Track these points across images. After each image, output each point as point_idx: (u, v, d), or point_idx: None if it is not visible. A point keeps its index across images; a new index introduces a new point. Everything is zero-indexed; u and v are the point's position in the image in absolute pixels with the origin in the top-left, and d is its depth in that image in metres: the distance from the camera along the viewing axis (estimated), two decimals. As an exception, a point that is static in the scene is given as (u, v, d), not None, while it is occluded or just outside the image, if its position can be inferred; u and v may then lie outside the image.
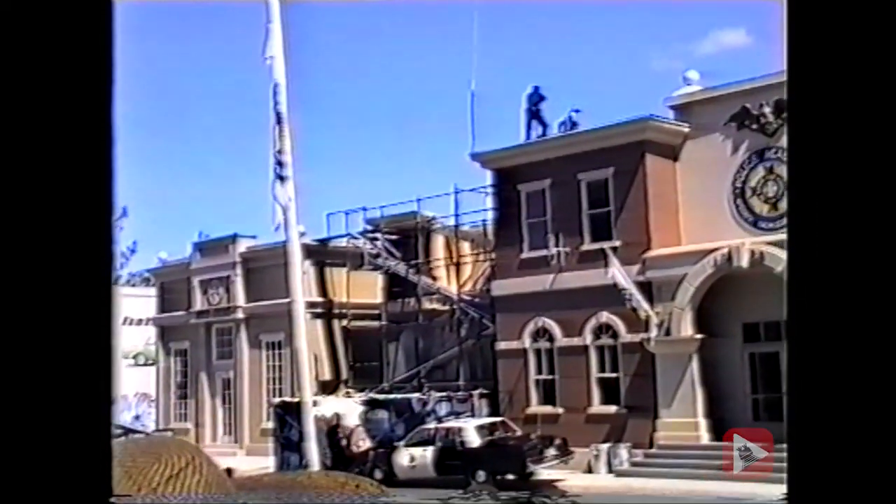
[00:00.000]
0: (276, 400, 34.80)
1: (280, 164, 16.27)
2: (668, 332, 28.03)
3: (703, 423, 27.47)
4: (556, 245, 30.59)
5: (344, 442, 30.05)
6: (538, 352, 31.21)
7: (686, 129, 29.70)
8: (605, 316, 29.51)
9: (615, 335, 29.46)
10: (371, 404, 32.08)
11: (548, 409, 30.57)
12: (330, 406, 30.71)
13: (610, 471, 27.76)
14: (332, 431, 29.37)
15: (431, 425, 29.17)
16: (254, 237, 40.63)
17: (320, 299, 37.81)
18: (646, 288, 28.47)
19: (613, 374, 29.59)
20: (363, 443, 30.34)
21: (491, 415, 30.57)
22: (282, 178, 16.26)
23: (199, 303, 42.06)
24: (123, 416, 45.13)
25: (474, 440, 27.45)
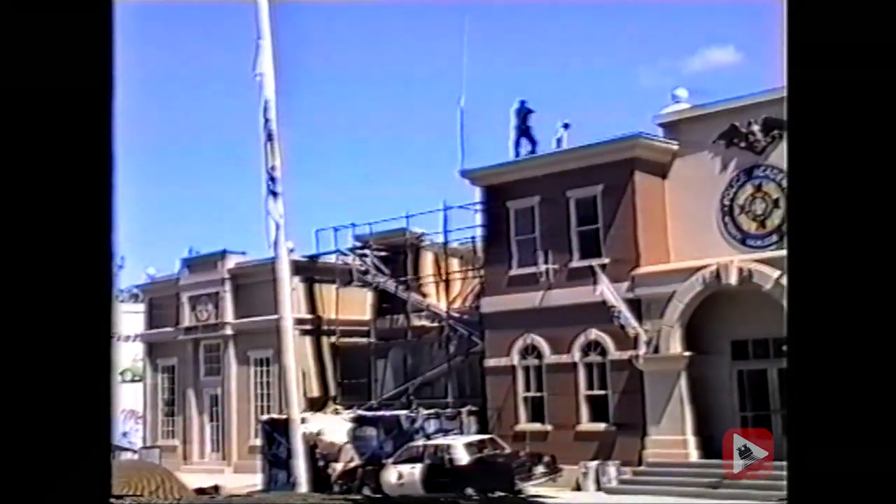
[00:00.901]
0: (264, 417, 34.70)
1: (272, 179, 16.30)
2: (656, 350, 28.00)
3: (691, 440, 27.42)
4: (545, 262, 30.58)
5: (321, 463, 29.80)
6: (527, 369, 31.14)
7: (675, 147, 29.76)
8: (593, 333, 29.47)
9: (604, 352, 29.42)
10: (359, 421, 31.96)
11: (536, 426, 30.51)
12: (311, 424, 30.53)
13: (599, 488, 27.69)
14: (310, 450, 29.18)
15: (420, 442, 29.06)
16: (243, 253, 40.60)
17: (309, 316, 37.73)
18: (634, 305, 28.44)
19: (602, 392, 29.53)
20: (339, 464, 30.10)
21: (479, 432, 30.48)
22: (274, 194, 16.29)
23: (187, 319, 41.92)
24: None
25: (463, 458, 27.36)
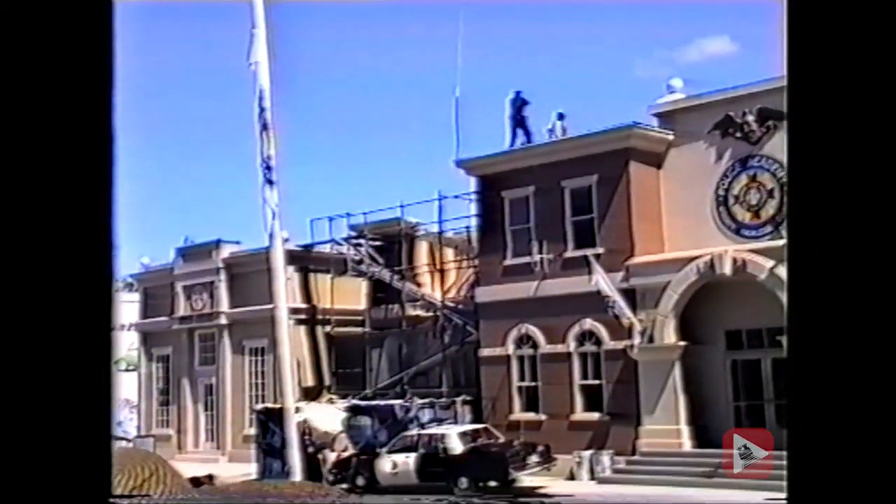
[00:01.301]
0: (259, 406, 34.67)
1: (269, 168, 16.26)
2: (651, 340, 28.01)
3: (685, 430, 27.46)
4: (540, 252, 30.57)
5: (311, 449, 29.77)
6: (521, 358, 31.15)
7: (670, 137, 29.72)
8: (588, 323, 29.48)
9: (598, 342, 29.44)
10: (354, 411, 31.94)
11: (531, 415, 30.53)
12: (304, 413, 30.48)
13: (592, 478, 27.73)
14: (300, 437, 29.10)
15: (414, 432, 29.02)
16: (238, 242, 40.52)
17: (304, 305, 37.69)
18: (629, 295, 28.45)
19: (596, 381, 29.56)
20: (333, 453, 30.06)
21: (474, 421, 30.47)
22: (270, 183, 16.25)
23: (182, 308, 41.87)
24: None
25: (457, 447, 27.34)
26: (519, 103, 32.53)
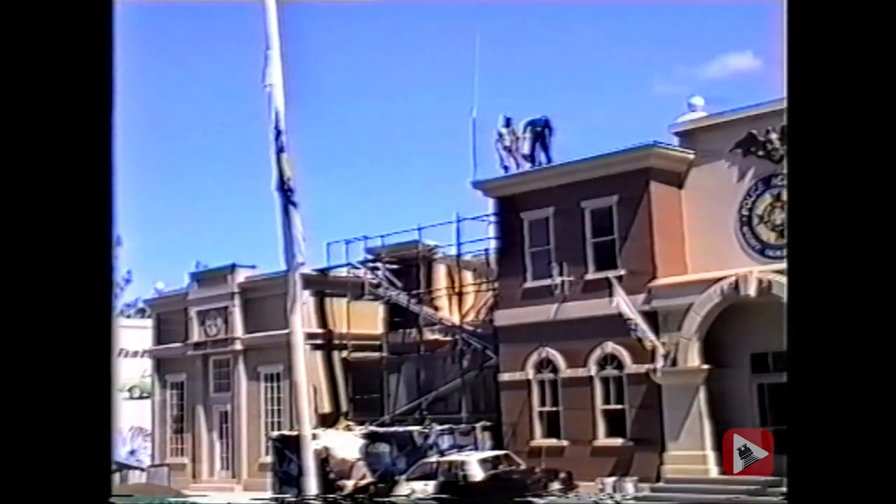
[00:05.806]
0: (275, 433, 34.42)
1: (290, 190, 16.04)
2: (674, 363, 27.70)
3: (711, 455, 27.03)
4: (560, 274, 30.32)
5: (332, 476, 29.59)
6: (542, 383, 30.86)
7: (691, 156, 29.49)
8: (610, 346, 29.19)
9: (620, 366, 29.13)
10: (372, 437, 31.77)
11: (552, 441, 30.21)
12: (322, 440, 30.29)
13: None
14: (321, 465, 28.94)
15: (433, 459, 28.91)
16: (253, 267, 40.39)
17: (320, 330, 37.45)
18: (651, 318, 28.14)
19: (619, 406, 29.24)
20: (351, 481, 29.82)
21: (494, 448, 30.24)
22: (293, 206, 16.00)
23: (196, 334, 41.67)
24: (118, 450, 44.52)
25: (477, 474, 27.24)
26: (542, 126, 32.21)
